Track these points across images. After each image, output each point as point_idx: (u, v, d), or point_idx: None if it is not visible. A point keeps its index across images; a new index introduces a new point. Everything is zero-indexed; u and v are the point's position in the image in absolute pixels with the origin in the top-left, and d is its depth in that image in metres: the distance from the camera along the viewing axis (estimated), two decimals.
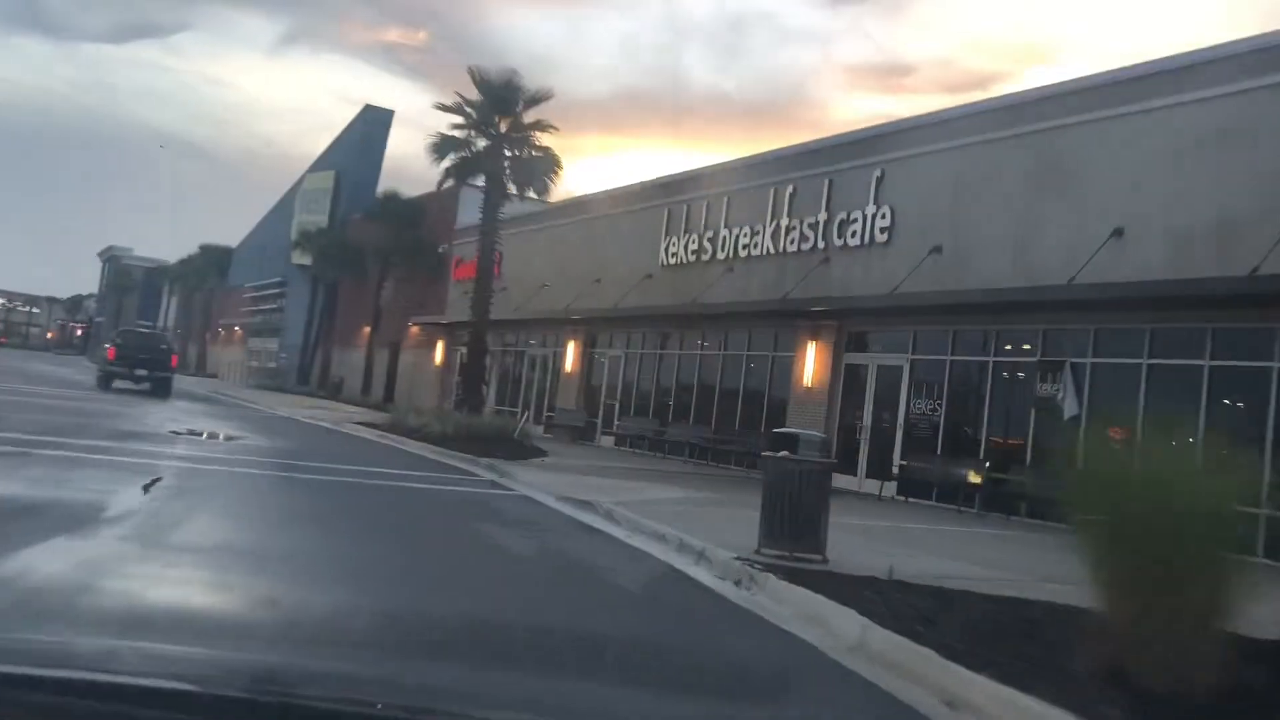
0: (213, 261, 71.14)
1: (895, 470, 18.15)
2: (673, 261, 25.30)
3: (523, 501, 13.34)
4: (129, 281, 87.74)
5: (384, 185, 45.92)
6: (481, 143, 23.42)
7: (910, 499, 17.65)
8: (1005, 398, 16.96)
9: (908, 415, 18.47)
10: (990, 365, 17.12)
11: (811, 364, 20.40)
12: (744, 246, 22.84)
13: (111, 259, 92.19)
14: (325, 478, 13.67)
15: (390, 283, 39.36)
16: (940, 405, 17.90)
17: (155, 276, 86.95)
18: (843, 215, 20.22)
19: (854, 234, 19.88)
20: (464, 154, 23.39)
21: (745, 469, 21.27)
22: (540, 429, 28.24)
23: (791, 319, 21.00)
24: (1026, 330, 16.66)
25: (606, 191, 29.07)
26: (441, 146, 23.17)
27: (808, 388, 20.44)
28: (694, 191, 24.86)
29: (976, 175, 17.68)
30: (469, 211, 37.14)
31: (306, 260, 50.20)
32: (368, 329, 43.29)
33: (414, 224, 40.31)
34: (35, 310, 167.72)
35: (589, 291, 28.01)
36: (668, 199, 25.83)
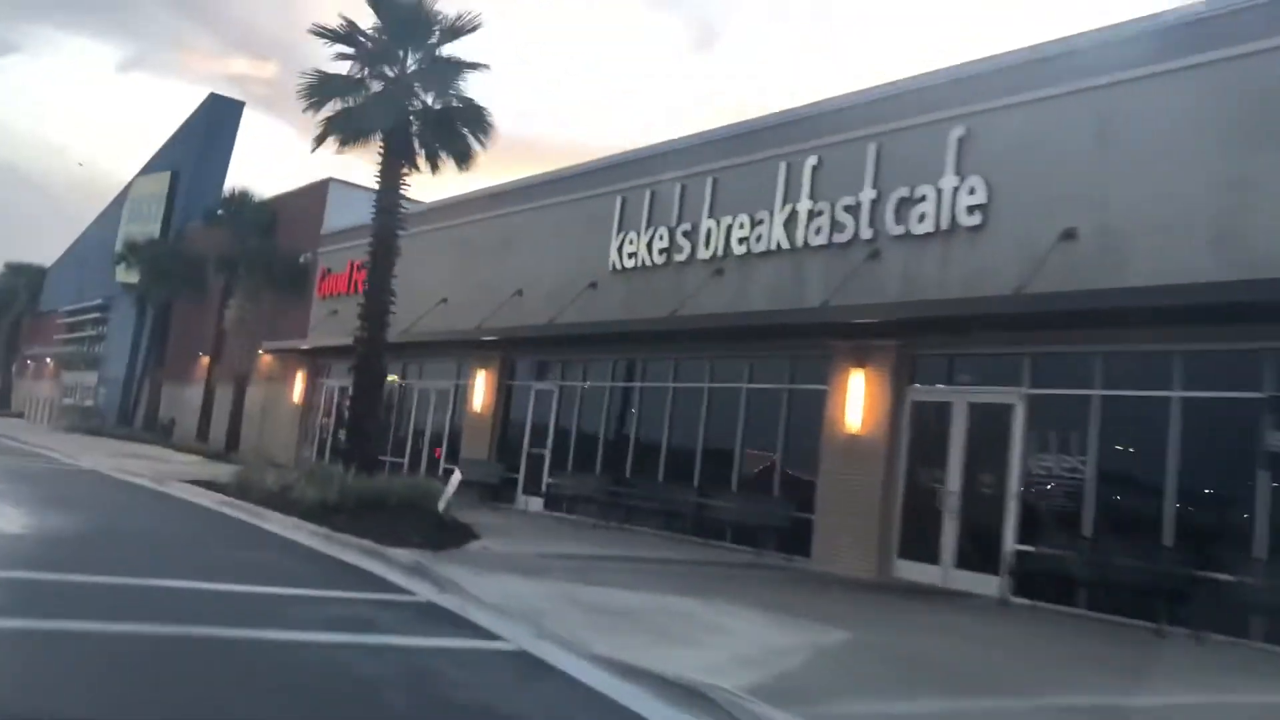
0: (22, 283, 61.08)
1: (1008, 559, 12.30)
2: (629, 264, 19.09)
3: (543, 685, 6.64)
4: None
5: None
6: (378, 85, 16.60)
7: (1036, 602, 11.84)
8: (1202, 452, 11.29)
9: (1025, 477, 12.66)
10: (1175, 403, 11.46)
11: (858, 400, 14.43)
12: (740, 241, 16.82)
13: None
14: (111, 626, 6.76)
15: (236, 302, 31.83)
16: (1084, 463, 12.15)
17: None
18: (902, 192, 14.43)
19: (921, 217, 14.10)
20: (353, 100, 16.51)
21: (755, 550, 15.15)
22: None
23: (816, 337, 15.07)
24: (1237, 350, 11.11)
25: (531, 179, 22.67)
26: (320, 88, 16.20)
27: (852, 434, 14.46)
28: (662, 172, 18.76)
29: (1138, 124, 12.12)
30: (339, 213, 30.22)
31: (133, 278, 41.85)
32: (207, 359, 35.41)
33: (267, 230, 32.94)
34: None
35: (508, 306, 21.54)
36: (622, 184, 19.64)
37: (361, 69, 16.49)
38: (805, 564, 14.50)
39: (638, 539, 16.24)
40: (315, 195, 31.77)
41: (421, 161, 16.92)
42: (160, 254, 38.67)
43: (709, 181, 17.66)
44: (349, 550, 11.44)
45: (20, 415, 57.75)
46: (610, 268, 19.46)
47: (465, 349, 22.82)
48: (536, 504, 20.37)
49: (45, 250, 60.39)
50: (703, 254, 17.48)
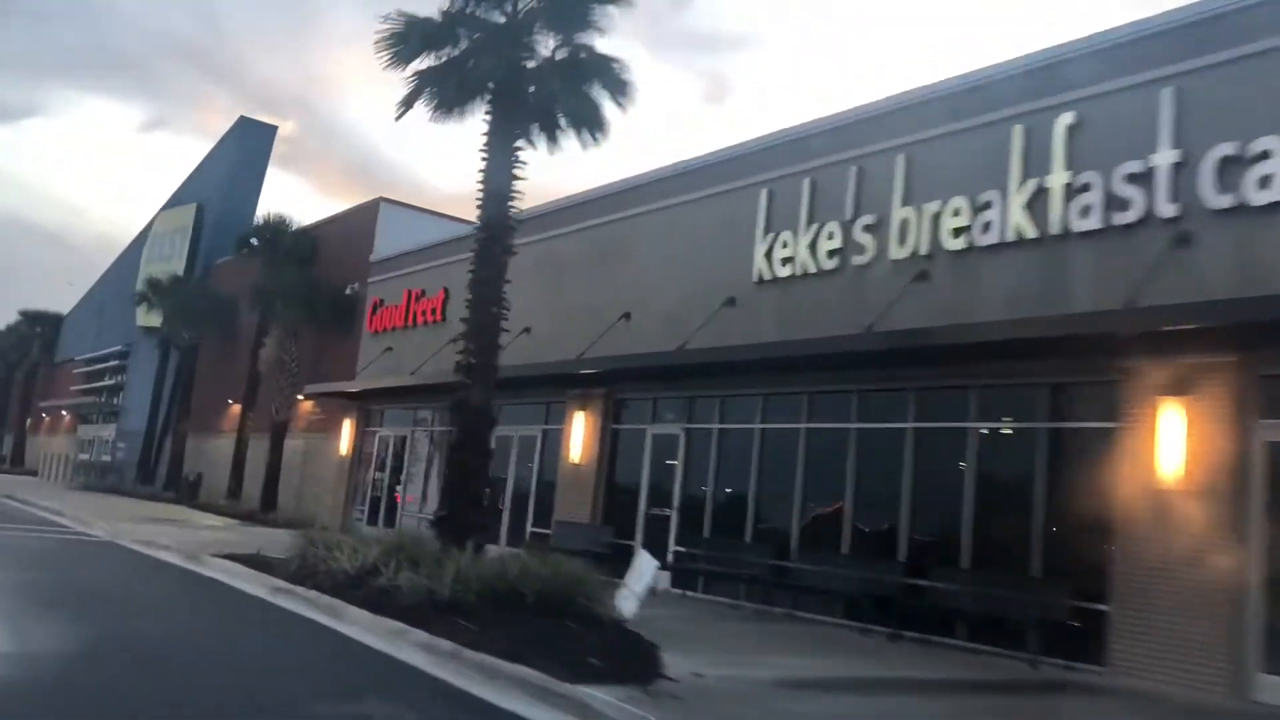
0: (37, 332, 57.60)
1: None
2: (783, 272, 15.03)
3: None
4: None
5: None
6: (478, 36, 12.51)
7: None
8: None
9: None
10: None
11: (1177, 440, 10.23)
12: (955, 232, 12.76)
13: None
14: None
15: (273, 340, 27.96)
16: None
17: None
18: (1225, 149, 10.34)
19: (1264, 181, 10.01)
20: (451, 50, 12.46)
21: (1019, 654, 10.91)
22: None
23: (1102, 357, 10.95)
24: None
25: (639, 178, 18.72)
26: (407, 36, 12.14)
27: (1166, 489, 10.24)
28: (826, 154, 14.77)
29: None
30: (391, 237, 26.42)
31: (155, 320, 38.16)
32: (237, 407, 31.50)
33: (306, 260, 29.16)
34: None
35: (612, 334, 17.54)
36: (767, 174, 15.64)
37: (464, 5, 12.48)
38: (1099, 676, 10.26)
39: (827, 636, 12.04)
40: (363, 218, 27.99)
41: (537, 133, 12.88)
42: (185, 292, 34.96)
43: (899, 159, 13.64)
44: (502, 685, 7.28)
45: (34, 473, 53.95)
46: (755, 278, 15.41)
47: (555, 386, 18.80)
48: (662, 578, 16.16)
49: (64, 305, 57.09)
50: (896, 253, 13.41)
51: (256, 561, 13.62)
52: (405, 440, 24.19)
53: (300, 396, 27.57)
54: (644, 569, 10.00)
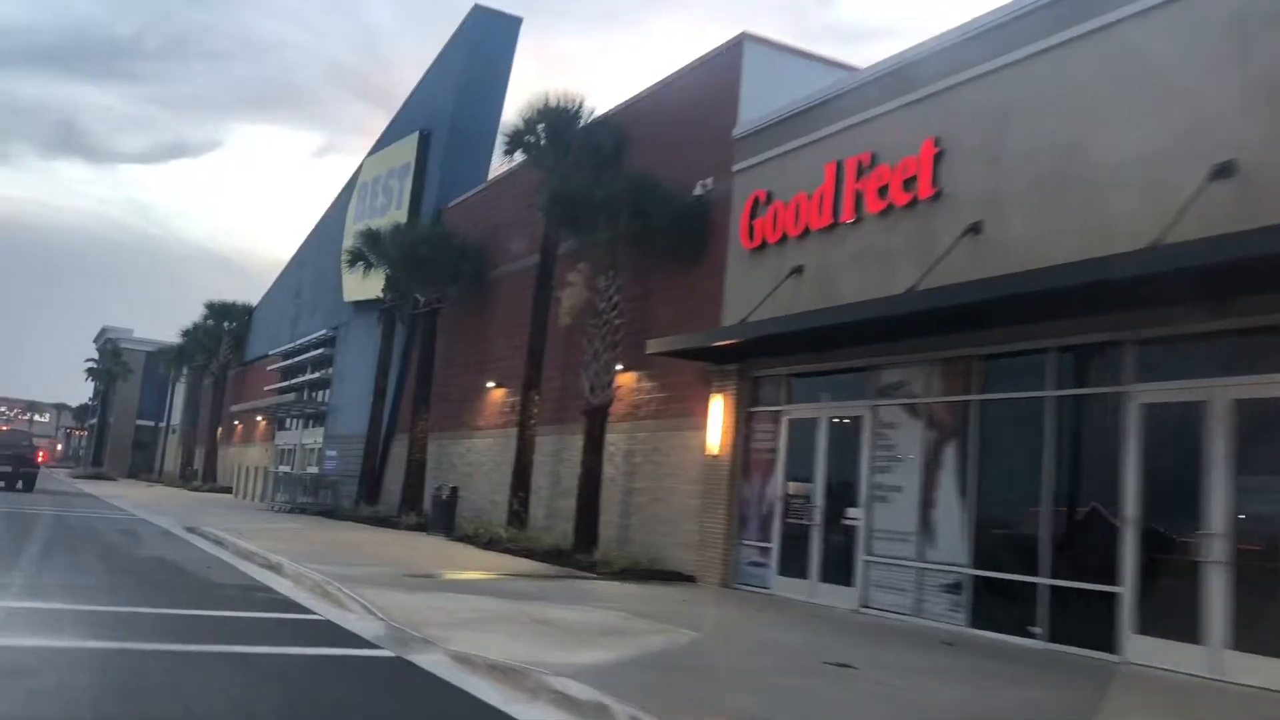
0: (226, 327, 50.21)
1: None
2: None
3: None
4: (122, 368, 66.93)
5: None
6: None
7: None
8: None
9: None
10: None
11: None
12: None
13: (106, 344, 71.70)
14: None
15: (575, 285, 17.90)
16: None
17: (157, 361, 66.24)
18: None
19: None
20: None
21: None
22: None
23: None
24: None
25: None
26: None
27: None
28: None
29: None
30: (763, 97, 15.94)
31: (370, 291, 29.14)
32: (500, 392, 21.79)
33: (610, 159, 19.02)
34: (40, 418, 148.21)
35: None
36: None
37: None
38: None
39: None
40: (716, 76, 17.53)
41: None
42: (415, 242, 25.45)
43: None
44: None
45: (228, 490, 46.32)
46: None
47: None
48: None
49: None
50: None
51: None
52: (852, 425, 13.57)
53: (619, 366, 17.38)
54: None
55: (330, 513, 27.10)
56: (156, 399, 73.55)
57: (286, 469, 38.90)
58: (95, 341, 76.95)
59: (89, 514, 23.14)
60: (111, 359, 66.23)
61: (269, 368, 43.09)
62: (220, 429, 49.49)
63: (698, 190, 16.76)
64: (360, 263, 27.72)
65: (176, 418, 67.69)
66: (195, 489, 46.76)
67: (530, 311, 20.17)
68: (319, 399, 36.42)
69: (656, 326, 17.03)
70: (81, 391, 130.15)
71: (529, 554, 17.11)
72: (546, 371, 19.89)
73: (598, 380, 17.13)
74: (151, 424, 74.24)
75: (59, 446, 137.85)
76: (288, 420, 40.60)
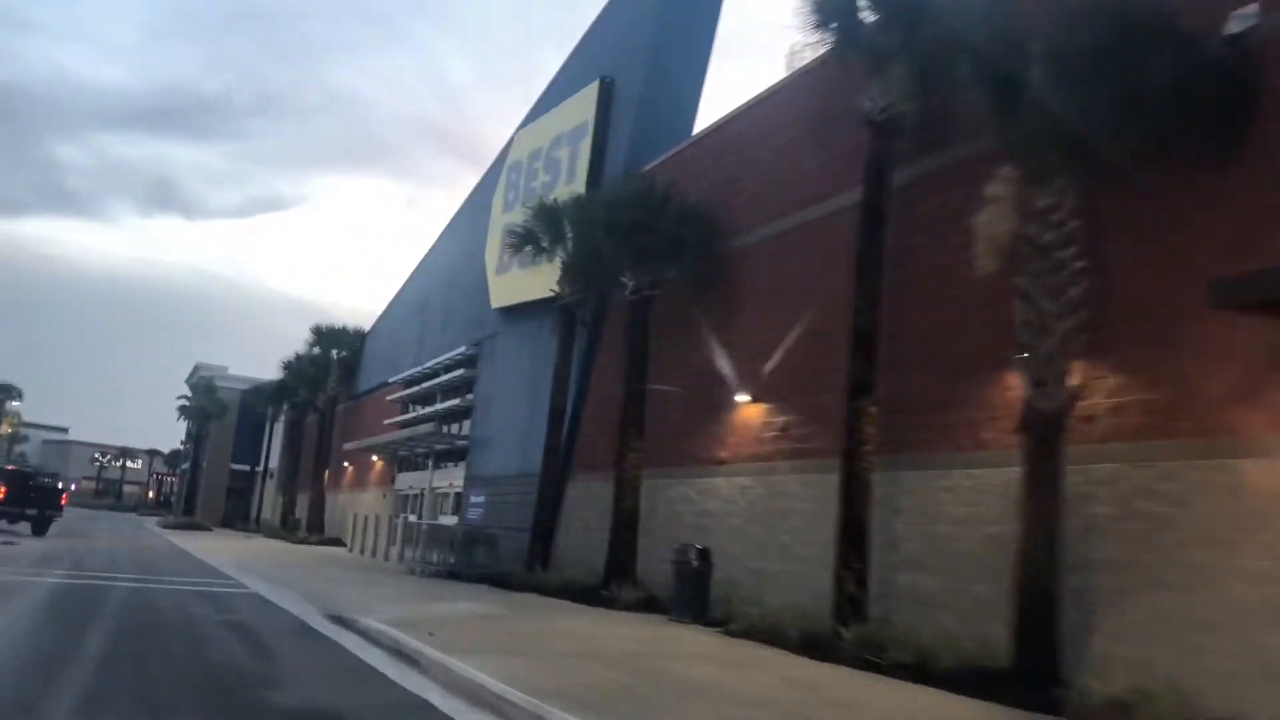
0: (334, 355, 44.09)
1: None
2: None
3: None
4: (216, 405, 61.51)
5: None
6: None
7: None
8: None
9: None
10: None
11: None
12: None
13: (198, 383, 66.51)
14: None
15: (1005, 193, 10.59)
16: None
17: (254, 400, 60.73)
18: None
19: None
20: None
21: None
22: None
23: None
24: None
25: None
26: None
27: None
28: None
29: None
30: None
31: (530, 291, 22.55)
32: (759, 411, 14.53)
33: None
34: (133, 464, 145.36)
35: None
36: None
37: None
38: None
39: None
40: None
41: None
42: (620, 203, 18.45)
43: None
44: None
45: (337, 543, 39.82)
46: None
47: None
48: None
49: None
50: None
51: None
52: None
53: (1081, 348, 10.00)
54: None
55: (498, 580, 20.07)
56: (252, 441, 68.04)
57: (413, 518, 32.18)
58: (188, 381, 72.01)
59: (181, 586, 16.43)
60: (205, 396, 60.85)
61: (389, 398, 36.62)
62: (327, 472, 43.12)
63: (1233, 26, 9.46)
64: (531, 246, 20.89)
65: (274, 461, 61.98)
66: (300, 541, 40.37)
67: (850, 274, 12.95)
68: (454, 431, 29.66)
69: (1147, 273, 9.72)
70: (173, 438, 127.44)
71: (919, 674, 9.81)
72: (882, 371, 12.63)
73: (1048, 369, 9.79)
74: (247, 469, 68.73)
75: (150, 494, 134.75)
76: (413, 459, 34.00)
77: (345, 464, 42.57)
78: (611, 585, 16.80)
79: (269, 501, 61.76)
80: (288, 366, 49.15)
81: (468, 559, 22.22)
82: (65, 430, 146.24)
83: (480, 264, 28.65)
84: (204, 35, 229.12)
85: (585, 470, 20.96)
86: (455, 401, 29.99)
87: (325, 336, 43.77)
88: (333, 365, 43.88)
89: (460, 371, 29.47)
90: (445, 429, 29.69)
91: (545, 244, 20.79)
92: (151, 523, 62.52)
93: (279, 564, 24.15)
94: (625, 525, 17.36)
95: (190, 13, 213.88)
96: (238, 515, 66.52)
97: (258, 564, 23.65)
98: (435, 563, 22.60)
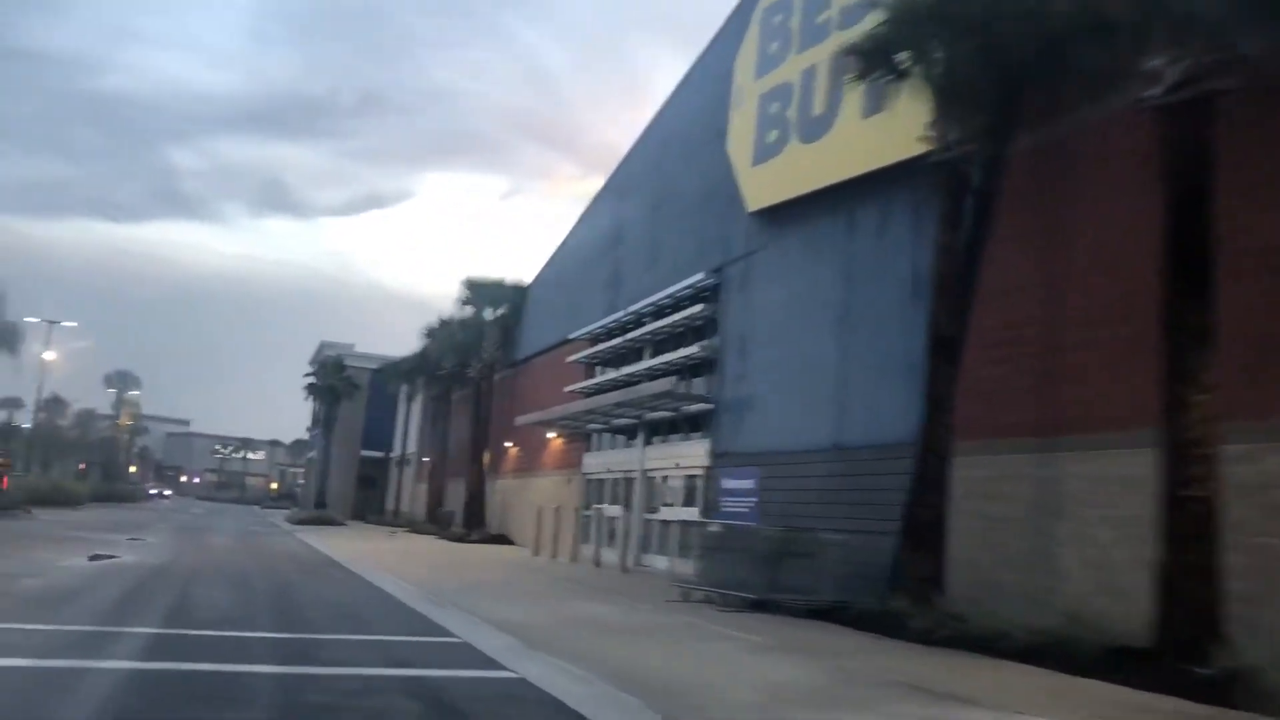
0: (490, 314, 36.70)
1: None
2: None
3: None
4: (346, 384, 55.04)
5: None
6: None
7: None
8: None
9: None
10: None
11: None
12: None
13: (326, 360, 60.20)
14: None
15: None
16: None
17: (385, 377, 54.21)
18: None
19: None
20: None
21: None
22: None
23: None
24: None
25: None
26: None
27: None
28: None
29: None
30: None
31: (840, 168, 14.46)
32: None
33: None
34: (255, 456, 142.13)
35: None
36: None
37: None
38: None
39: None
40: None
41: None
42: None
43: None
44: None
45: (502, 540, 32.47)
46: None
47: None
48: None
49: None
50: None
51: None
52: None
53: None
54: None
55: (839, 615, 12.06)
56: (382, 425, 61.70)
57: (613, 510, 24.40)
58: (312, 361, 65.96)
59: (371, 670, 8.70)
60: (334, 373, 54.38)
61: (569, 359, 28.94)
62: (487, 455, 35.77)
63: None
64: (882, 73, 12.77)
65: (411, 446, 55.39)
66: (457, 539, 33.16)
67: None
68: (683, 390, 21.68)
69: None
70: (291, 431, 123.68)
71: None
72: None
73: None
74: (379, 455, 62.41)
75: (273, 485, 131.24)
76: (610, 434, 26.31)
77: (507, 445, 35.19)
78: (1190, 656, 8.55)
79: (407, 491, 55.24)
80: (430, 334, 42.17)
81: (773, 578, 14.22)
82: (187, 423, 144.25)
83: (712, 163, 20.71)
84: (304, 38, 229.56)
85: (982, 436, 12.75)
86: (676, 355, 22.00)
87: (479, 291, 36.33)
88: (487, 328, 36.49)
89: (690, 311, 21.49)
90: (685, 385, 21.66)
91: (897, 70, 12.68)
92: (278, 517, 56.60)
93: (469, 584, 16.56)
94: (1193, 535, 9.00)
95: (291, 17, 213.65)
96: (369, 507, 60.29)
97: (442, 583, 16.09)
98: (726, 582, 14.68)
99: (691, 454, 21.20)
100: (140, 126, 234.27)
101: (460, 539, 33.11)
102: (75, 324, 55.21)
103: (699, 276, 21.05)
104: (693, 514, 20.85)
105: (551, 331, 32.15)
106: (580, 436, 28.80)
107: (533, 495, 31.89)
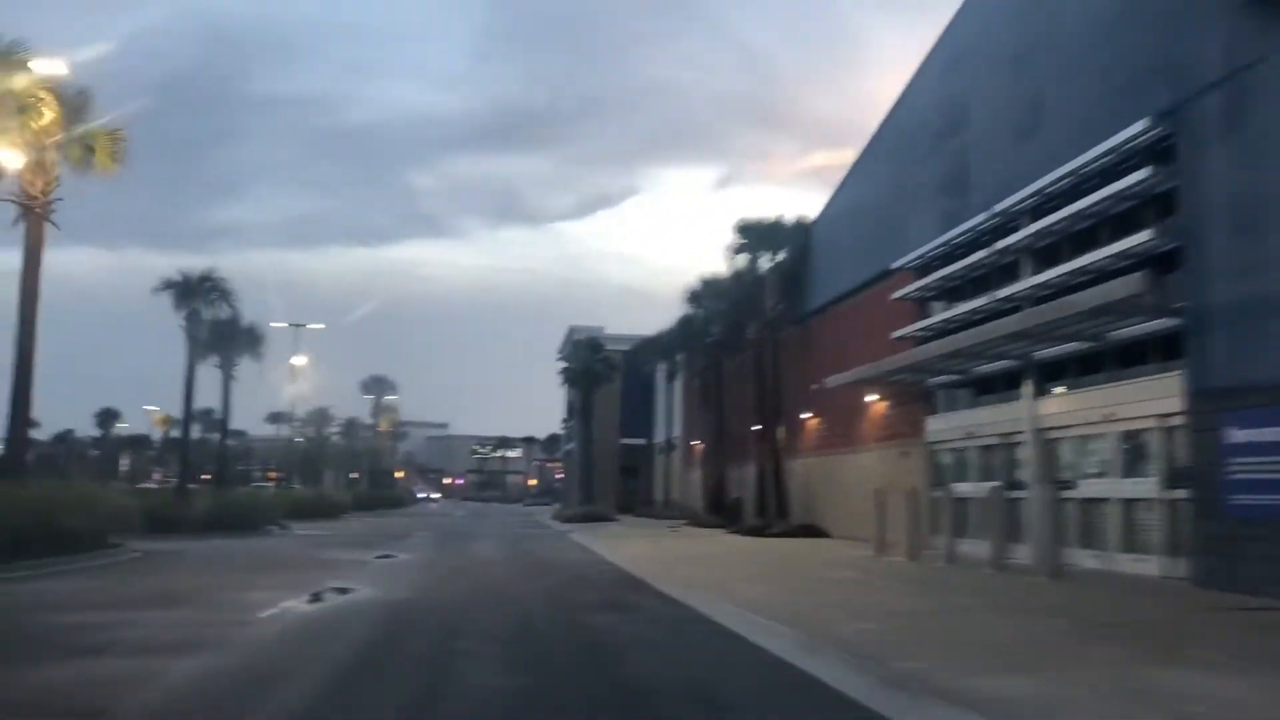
0: (769, 261, 30.46)
1: None
2: None
3: None
4: (604, 366, 50.37)
5: None
6: None
7: None
8: None
9: None
10: None
11: None
12: None
13: (579, 343, 55.77)
14: None
15: None
16: None
17: (642, 355, 49.28)
18: None
19: None
20: None
21: None
22: None
23: None
24: None
25: None
26: None
27: None
28: None
29: None
30: None
31: None
32: None
33: None
34: (512, 453, 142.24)
35: None
36: None
37: None
38: None
39: None
40: None
41: None
42: None
43: None
44: None
45: (814, 532, 26.20)
46: None
47: None
48: None
49: None
50: None
51: None
52: None
53: None
54: None
55: None
56: (639, 409, 56.92)
57: (975, 488, 17.56)
58: (560, 350, 62.02)
59: None
60: (589, 355, 49.77)
61: (894, 295, 22.24)
62: (782, 431, 29.52)
63: None
64: None
65: (675, 429, 50.12)
66: (756, 532, 27.12)
67: None
68: (1160, 276, 14.57)
69: None
70: (543, 427, 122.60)
71: None
72: None
73: None
74: (641, 442, 57.66)
75: (531, 481, 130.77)
76: (969, 387, 19.54)
77: (804, 416, 28.88)
78: None
79: (674, 479, 50.05)
80: (693, 298, 36.51)
81: None
82: (445, 426, 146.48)
83: None
84: (524, 52, 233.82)
85: None
86: (1106, 251, 14.84)
87: (754, 235, 30.10)
88: (767, 278, 30.28)
89: (1117, 188, 14.38)
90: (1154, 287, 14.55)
91: None
92: (544, 515, 52.82)
93: (862, 612, 10.31)
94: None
95: (510, 33, 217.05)
96: (635, 498, 55.62)
97: (827, 618, 9.91)
98: None
99: (1139, 397, 14.16)
100: (382, 154, 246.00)
101: (757, 532, 27.12)
102: (322, 326, 52.96)
103: (1137, 128, 13.89)
104: (1146, 488, 13.88)
105: (851, 271, 25.57)
106: (912, 397, 22.15)
107: (847, 475, 25.47)
